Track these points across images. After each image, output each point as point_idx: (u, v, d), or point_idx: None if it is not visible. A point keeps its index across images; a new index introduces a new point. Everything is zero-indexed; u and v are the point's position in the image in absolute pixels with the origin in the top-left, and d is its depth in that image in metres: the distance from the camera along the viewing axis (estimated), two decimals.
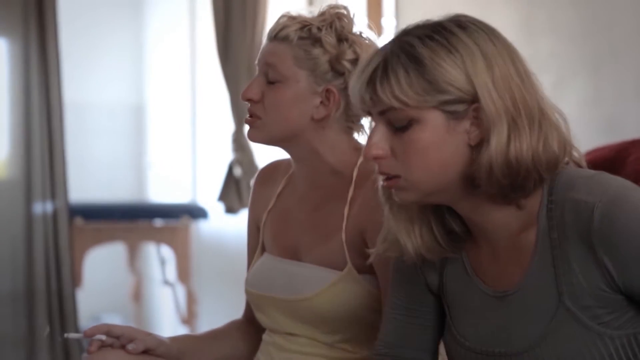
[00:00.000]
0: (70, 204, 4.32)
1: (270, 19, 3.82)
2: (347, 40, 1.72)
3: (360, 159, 1.74)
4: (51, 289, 4.24)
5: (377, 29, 3.51)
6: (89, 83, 5.91)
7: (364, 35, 1.76)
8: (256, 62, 1.78)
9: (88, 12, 5.88)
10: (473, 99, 1.27)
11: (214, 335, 1.92)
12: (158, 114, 5.97)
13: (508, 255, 1.35)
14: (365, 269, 1.68)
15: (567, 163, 1.33)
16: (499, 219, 1.34)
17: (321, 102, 1.72)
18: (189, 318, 4.97)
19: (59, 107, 4.27)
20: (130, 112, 6.14)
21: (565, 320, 1.27)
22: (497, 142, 1.26)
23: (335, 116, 1.72)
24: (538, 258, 1.31)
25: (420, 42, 1.28)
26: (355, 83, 1.33)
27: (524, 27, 2.74)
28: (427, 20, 1.33)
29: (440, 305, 1.47)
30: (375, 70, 1.29)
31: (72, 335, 1.74)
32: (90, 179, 5.83)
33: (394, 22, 3.43)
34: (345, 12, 1.75)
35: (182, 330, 4.95)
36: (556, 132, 1.30)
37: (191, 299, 4.96)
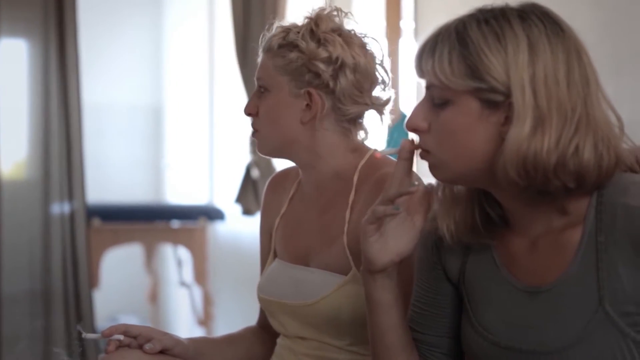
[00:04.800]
0: (87, 204, 4.34)
1: (289, 20, 3.81)
2: (319, 40, 1.73)
3: (361, 163, 1.75)
4: (68, 290, 4.26)
5: (396, 31, 3.50)
6: (107, 85, 5.92)
7: (347, 32, 1.75)
8: None
9: (106, 15, 5.90)
10: (509, 92, 1.25)
11: (230, 339, 1.93)
12: (176, 116, 5.99)
13: (547, 250, 1.32)
14: None
15: (625, 171, 1.30)
16: (539, 216, 1.32)
17: (307, 105, 1.74)
18: (205, 319, 4.97)
19: (77, 109, 4.29)
20: (148, 113, 6.15)
21: (603, 324, 1.25)
22: (514, 138, 1.24)
23: (322, 117, 1.74)
24: (581, 258, 1.28)
25: (477, 25, 1.27)
26: (414, 54, 1.34)
27: None
28: (506, 3, 1.32)
29: (458, 294, 1.45)
30: (426, 45, 1.31)
31: (89, 335, 1.74)
32: (108, 180, 5.85)
33: (412, 25, 3.42)
34: (324, 12, 1.77)
35: (198, 332, 4.95)
36: (599, 140, 1.25)
37: (208, 301, 4.97)
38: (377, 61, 1.77)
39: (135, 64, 6.08)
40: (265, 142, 1.79)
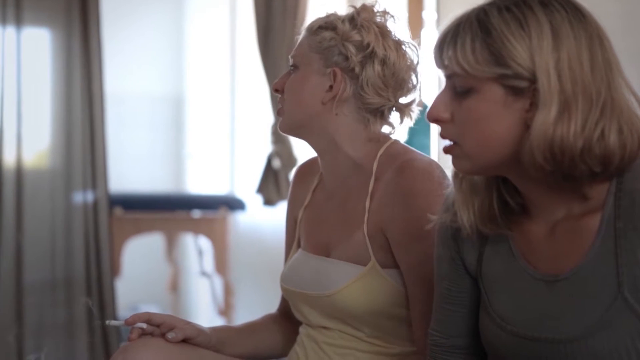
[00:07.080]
0: (109, 194, 4.36)
1: (311, 11, 3.82)
2: (356, 25, 1.75)
3: (380, 151, 1.76)
4: (90, 278, 4.28)
5: (418, 22, 3.49)
6: (129, 74, 5.94)
7: (386, 27, 1.77)
8: None
9: (129, 4, 5.92)
10: (534, 78, 1.25)
11: (252, 328, 1.94)
12: (197, 106, 6.00)
13: (565, 237, 1.32)
14: (389, 264, 1.70)
15: None
16: (560, 202, 1.32)
17: (330, 86, 1.75)
18: (225, 309, 4.98)
19: (100, 98, 4.31)
20: (170, 103, 6.17)
21: (622, 311, 1.24)
22: (541, 123, 1.24)
23: (342, 101, 1.75)
24: (599, 245, 1.27)
25: (498, 12, 1.27)
26: (434, 44, 1.34)
27: None
28: None
29: (478, 287, 1.45)
30: (446, 34, 1.30)
31: (113, 322, 1.76)
32: (130, 170, 5.87)
33: (434, 16, 3.42)
34: (369, 5, 1.79)
35: (218, 322, 4.97)
36: (624, 124, 1.26)
37: (228, 291, 4.98)
38: (410, 64, 1.77)
39: (157, 53, 6.10)
40: (285, 117, 1.81)
